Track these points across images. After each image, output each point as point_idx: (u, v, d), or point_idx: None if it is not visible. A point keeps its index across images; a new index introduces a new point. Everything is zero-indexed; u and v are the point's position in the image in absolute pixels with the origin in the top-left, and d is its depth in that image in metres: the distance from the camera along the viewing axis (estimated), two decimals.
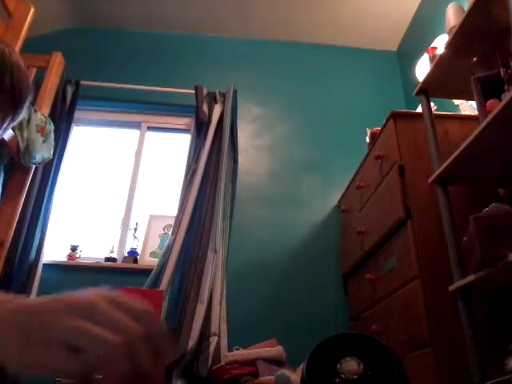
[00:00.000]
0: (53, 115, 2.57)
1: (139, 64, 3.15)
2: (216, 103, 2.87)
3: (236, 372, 1.84)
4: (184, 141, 3.07)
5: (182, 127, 3.08)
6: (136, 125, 3.08)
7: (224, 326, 2.28)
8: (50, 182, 2.53)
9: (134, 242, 2.69)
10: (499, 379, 1.16)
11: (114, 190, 2.89)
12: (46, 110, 2.38)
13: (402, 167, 1.78)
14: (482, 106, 1.38)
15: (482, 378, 1.25)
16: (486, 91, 1.39)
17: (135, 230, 2.73)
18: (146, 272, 2.42)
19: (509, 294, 1.47)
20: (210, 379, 1.88)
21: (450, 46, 1.53)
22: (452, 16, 1.68)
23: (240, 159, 2.82)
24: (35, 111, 2.10)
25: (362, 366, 1.28)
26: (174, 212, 2.60)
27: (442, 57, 1.58)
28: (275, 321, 2.40)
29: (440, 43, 2.11)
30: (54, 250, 2.60)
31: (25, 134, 2.02)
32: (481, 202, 1.53)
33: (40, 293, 2.33)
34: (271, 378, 1.75)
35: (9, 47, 0.73)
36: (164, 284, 2.31)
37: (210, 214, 2.54)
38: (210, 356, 2.13)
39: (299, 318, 2.41)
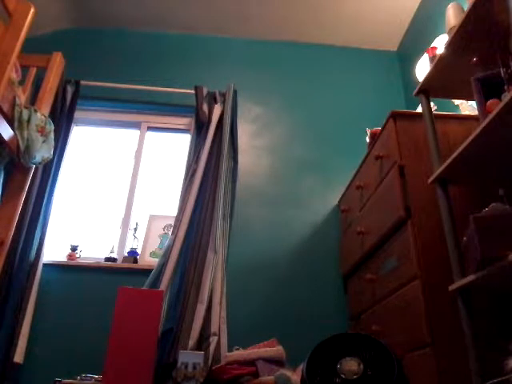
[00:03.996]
0: (53, 115, 2.57)
1: (139, 64, 3.15)
2: (216, 103, 2.87)
3: (236, 372, 1.84)
4: (184, 141, 3.07)
5: (182, 127, 3.08)
6: (136, 125, 3.08)
7: (224, 326, 2.28)
8: (49, 182, 2.53)
9: (134, 242, 2.69)
10: (499, 379, 1.16)
11: (114, 190, 2.89)
12: (46, 109, 2.38)
13: (402, 167, 1.78)
14: (481, 106, 1.38)
15: (482, 378, 1.25)
16: (486, 91, 1.39)
17: (135, 230, 2.73)
18: (146, 272, 2.42)
19: (509, 294, 1.47)
20: (210, 379, 1.88)
21: (449, 46, 1.53)
22: (452, 16, 1.68)
23: (240, 159, 2.82)
24: (35, 111, 2.10)
25: (361, 366, 1.28)
26: (174, 212, 2.60)
27: (441, 57, 1.58)
28: (275, 321, 2.40)
29: (440, 43, 2.12)
30: (54, 250, 2.60)
31: (25, 134, 2.02)
32: (481, 201, 1.53)
33: (40, 293, 2.33)
34: (271, 378, 1.75)
35: None
36: (164, 284, 2.31)
37: (210, 214, 2.54)
38: (210, 356, 2.13)
39: (299, 318, 2.42)
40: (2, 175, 2.27)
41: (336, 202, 2.77)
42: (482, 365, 1.28)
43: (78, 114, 2.87)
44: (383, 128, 1.99)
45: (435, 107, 2.08)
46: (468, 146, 1.36)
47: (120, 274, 2.47)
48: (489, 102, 1.35)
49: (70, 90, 2.82)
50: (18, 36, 1.91)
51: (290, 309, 2.44)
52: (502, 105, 1.18)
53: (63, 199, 2.79)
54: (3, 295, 2.20)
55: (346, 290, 2.47)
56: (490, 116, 1.23)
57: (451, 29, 1.66)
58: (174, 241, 2.44)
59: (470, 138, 1.34)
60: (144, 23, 3.25)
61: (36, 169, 2.41)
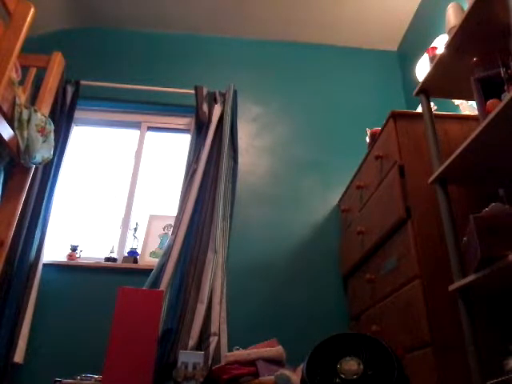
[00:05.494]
0: (53, 115, 2.57)
1: (139, 64, 3.15)
2: (216, 103, 2.87)
3: (236, 372, 1.84)
4: (184, 141, 3.07)
5: (182, 127, 3.08)
6: (136, 125, 3.08)
7: (224, 326, 2.28)
8: (49, 182, 2.53)
9: (134, 242, 2.69)
10: (499, 379, 1.16)
11: (114, 190, 2.89)
12: (46, 110, 2.38)
13: (402, 167, 1.78)
14: (482, 106, 1.38)
15: (482, 378, 1.25)
16: (486, 91, 1.39)
17: (135, 229, 2.73)
18: (146, 272, 2.42)
19: (509, 294, 1.47)
20: (210, 379, 1.88)
21: (449, 46, 1.53)
22: (452, 16, 1.68)
23: (240, 159, 2.82)
24: (35, 111, 2.10)
25: (361, 366, 1.28)
26: (174, 212, 2.60)
27: (442, 57, 1.58)
28: (275, 321, 2.40)
29: (440, 43, 2.12)
30: (54, 250, 2.60)
31: (25, 134, 2.02)
32: (481, 201, 1.53)
33: (40, 293, 2.33)
34: (271, 378, 1.75)
35: None
36: (164, 284, 2.31)
37: (209, 214, 2.54)
38: (210, 356, 2.13)
39: (299, 318, 2.42)
40: (2, 175, 2.27)
41: (336, 202, 2.77)
42: (481, 365, 1.28)
43: (78, 114, 2.87)
44: (383, 128, 1.99)
45: (435, 107, 2.08)
46: (468, 146, 1.36)
47: (120, 274, 2.47)
48: (489, 102, 1.35)
49: (70, 89, 2.82)
50: (18, 36, 1.91)
51: (289, 309, 2.44)
52: (502, 105, 1.18)
53: (63, 199, 2.79)
54: (3, 295, 2.20)
55: (346, 290, 2.47)
56: (490, 116, 1.23)
57: (451, 29, 1.66)
58: (174, 241, 2.44)
59: (470, 138, 1.34)
60: (144, 23, 3.25)
61: (36, 169, 2.40)
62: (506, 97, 1.19)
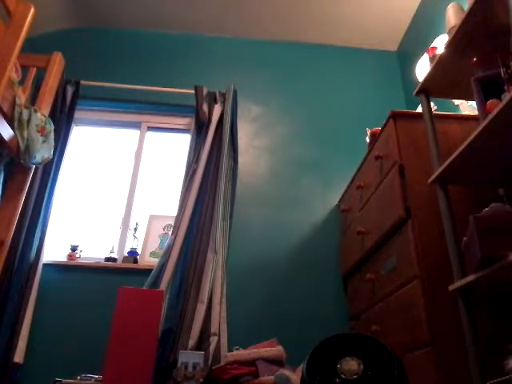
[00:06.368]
0: (53, 115, 2.57)
1: (139, 64, 3.15)
2: (216, 103, 2.87)
3: (236, 372, 1.84)
4: (184, 141, 3.07)
5: (182, 127, 3.08)
6: (136, 125, 3.08)
7: (224, 326, 2.28)
8: (49, 182, 2.53)
9: (134, 242, 2.69)
10: (499, 379, 1.17)
11: (114, 190, 2.89)
12: (46, 109, 2.38)
13: (402, 167, 1.78)
14: (481, 106, 1.38)
15: (482, 378, 1.25)
16: (486, 91, 1.39)
17: (135, 230, 2.73)
18: (146, 272, 2.42)
19: (509, 294, 1.47)
20: (210, 379, 1.88)
21: (449, 46, 1.53)
22: (452, 16, 1.68)
23: (240, 159, 2.82)
24: (35, 111, 2.10)
25: (361, 366, 1.28)
26: (174, 212, 2.60)
27: (442, 57, 1.58)
28: (275, 321, 2.40)
29: (440, 43, 2.12)
30: (54, 250, 2.60)
31: (25, 134, 2.02)
32: (481, 201, 1.53)
33: (40, 293, 2.33)
34: (271, 378, 1.75)
35: None
36: (164, 284, 2.31)
37: (209, 214, 2.54)
38: (210, 356, 2.13)
39: (299, 318, 2.42)
40: (2, 175, 2.27)
41: (336, 201, 2.77)
42: (481, 365, 1.28)
43: (78, 114, 2.87)
44: (383, 128, 1.99)
45: (435, 107, 2.08)
46: (468, 146, 1.36)
47: (120, 274, 2.47)
48: (489, 102, 1.35)
49: (70, 89, 2.82)
50: (18, 36, 1.91)
51: (289, 309, 2.44)
52: (501, 105, 1.18)
53: (63, 199, 2.79)
54: (3, 295, 2.20)
55: (346, 290, 2.47)
56: (490, 116, 1.23)
57: (451, 29, 1.66)
58: (174, 241, 2.44)
59: (470, 138, 1.34)
60: (144, 23, 3.25)
61: (36, 169, 2.40)
62: (506, 97, 1.19)
